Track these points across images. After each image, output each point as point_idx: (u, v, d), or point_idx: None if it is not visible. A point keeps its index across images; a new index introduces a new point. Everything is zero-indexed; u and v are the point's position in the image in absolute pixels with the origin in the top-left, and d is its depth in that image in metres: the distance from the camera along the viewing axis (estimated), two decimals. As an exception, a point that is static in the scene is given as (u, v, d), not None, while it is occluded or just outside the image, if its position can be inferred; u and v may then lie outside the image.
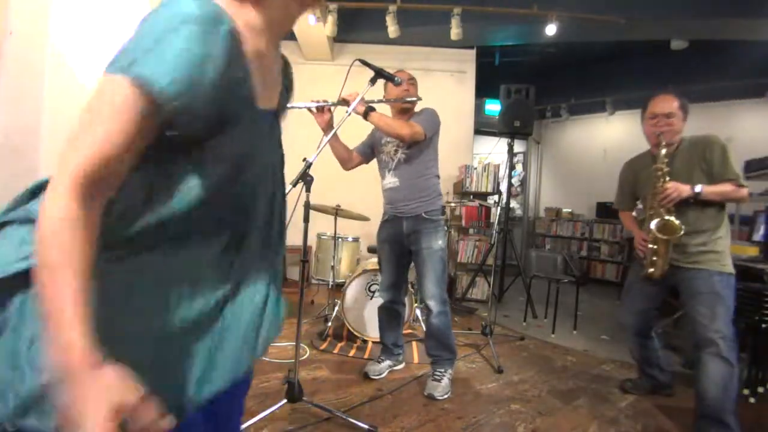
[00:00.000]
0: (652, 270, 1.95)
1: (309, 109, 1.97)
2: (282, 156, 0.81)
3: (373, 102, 2.03)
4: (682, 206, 1.85)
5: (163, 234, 0.61)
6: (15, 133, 1.87)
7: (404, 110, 2.21)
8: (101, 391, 0.48)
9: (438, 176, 2.25)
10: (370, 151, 2.32)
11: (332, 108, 1.97)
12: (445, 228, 2.25)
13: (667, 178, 1.87)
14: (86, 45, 2.22)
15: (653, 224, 1.88)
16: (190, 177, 0.61)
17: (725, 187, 1.82)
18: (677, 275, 1.90)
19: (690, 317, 1.87)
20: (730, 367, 1.71)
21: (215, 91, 0.55)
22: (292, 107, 1.93)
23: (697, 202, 1.85)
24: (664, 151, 1.89)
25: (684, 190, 1.83)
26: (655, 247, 1.91)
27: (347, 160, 2.29)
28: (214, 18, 0.55)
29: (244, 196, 0.69)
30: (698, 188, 1.82)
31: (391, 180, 2.20)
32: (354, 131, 2.30)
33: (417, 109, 2.23)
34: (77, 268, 0.51)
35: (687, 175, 1.87)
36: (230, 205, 0.67)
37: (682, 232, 1.81)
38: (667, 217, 1.85)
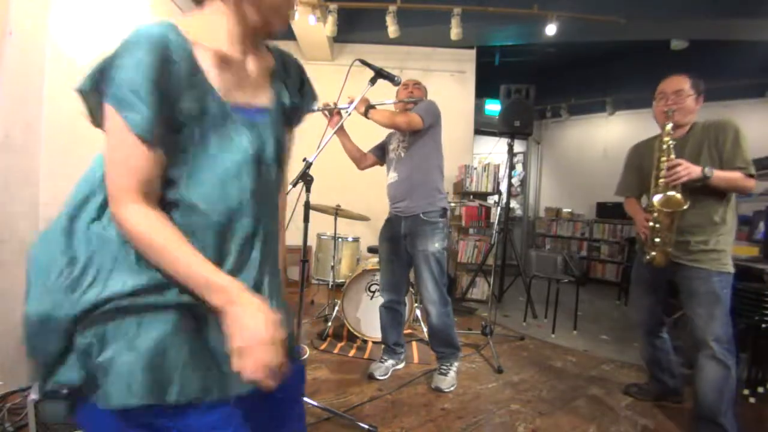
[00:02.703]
0: (653, 254, 1.83)
1: (323, 113, 2.04)
2: (281, 147, 0.84)
3: (380, 103, 2.08)
4: (687, 196, 1.72)
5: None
6: (15, 132, 1.87)
7: (408, 111, 2.23)
8: (258, 306, 0.66)
9: (441, 170, 2.22)
10: (381, 152, 2.36)
11: (342, 111, 2.04)
12: (446, 230, 2.20)
13: (672, 154, 1.73)
14: (87, 45, 2.22)
15: (656, 198, 1.77)
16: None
17: (734, 174, 1.68)
18: (678, 272, 1.83)
19: (688, 317, 1.83)
20: (725, 369, 1.68)
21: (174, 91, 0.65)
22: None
23: (703, 192, 1.72)
24: (669, 126, 1.75)
25: (695, 170, 1.67)
26: (657, 225, 1.79)
27: (360, 159, 2.35)
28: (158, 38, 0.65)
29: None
30: (708, 171, 1.67)
31: (392, 175, 2.22)
32: (364, 132, 2.32)
33: None
34: (180, 240, 0.66)
35: (694, 162, 1.72)
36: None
37: (686, 206, 1.68)
38: (670, 193, 1.74)
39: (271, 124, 0.81)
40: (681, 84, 1.81)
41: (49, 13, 2.01)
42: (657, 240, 1.81)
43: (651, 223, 1.81)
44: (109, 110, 0.64)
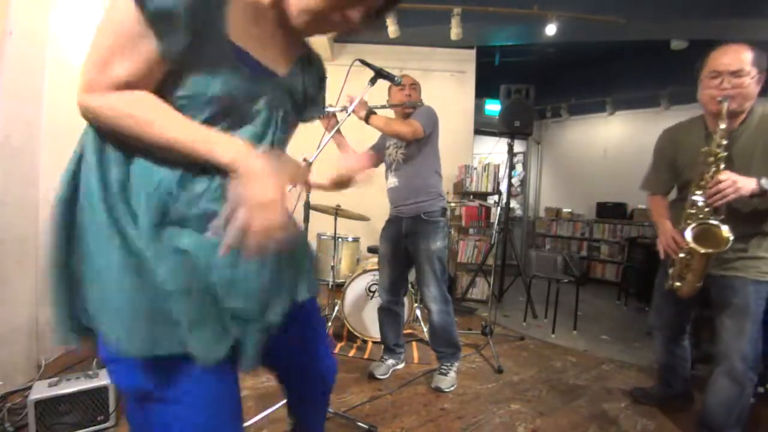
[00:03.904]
0: (678, 284, 1.57)
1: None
2: (284, 135, 0.84)
3: (375, 107, 2.06)
4: (733, 204, 1.38)
5: None
6: (15, 132, 1.87)
7: (407, 115, 2.23)
8: (263, 165, 0.63)
9: (439, 174, 2.24)
10: (377, 153, 2.35)
11: (337, 113, 2.01)
12: (446, 229, 2.22)
13: (722, 166, 1.37)
14: (87, 45, 2.23)
15: (688, 232, 1.42)
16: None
17: None
18: (708, 280, 1.55)
19: (716, 327, 1.61)
20: (740, 388, 1.54)
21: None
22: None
23: (750, 204, 1.40)
24: (723, 127, 1.35)
25: (745, 185, 1.32)
26: (688, 257, 1.49)
27: None
28: None
29: None
30: (766, 182, 1.32)
31: (392, 180, 2.23)
32: (360, 135, 2.32)
33: None
34: (170, 109, 0.63)
35: (747, 159, 1.40)
36: None
37: (729, 245, 1.34)
38: (712, 221, 1.39)
39: (277, 89, 0.78)
40: (741, 60, 1.37)
41: (49, 13, 2.01)
42: (685, 272, 1.53)
43: (681, 254, 1.53)
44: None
